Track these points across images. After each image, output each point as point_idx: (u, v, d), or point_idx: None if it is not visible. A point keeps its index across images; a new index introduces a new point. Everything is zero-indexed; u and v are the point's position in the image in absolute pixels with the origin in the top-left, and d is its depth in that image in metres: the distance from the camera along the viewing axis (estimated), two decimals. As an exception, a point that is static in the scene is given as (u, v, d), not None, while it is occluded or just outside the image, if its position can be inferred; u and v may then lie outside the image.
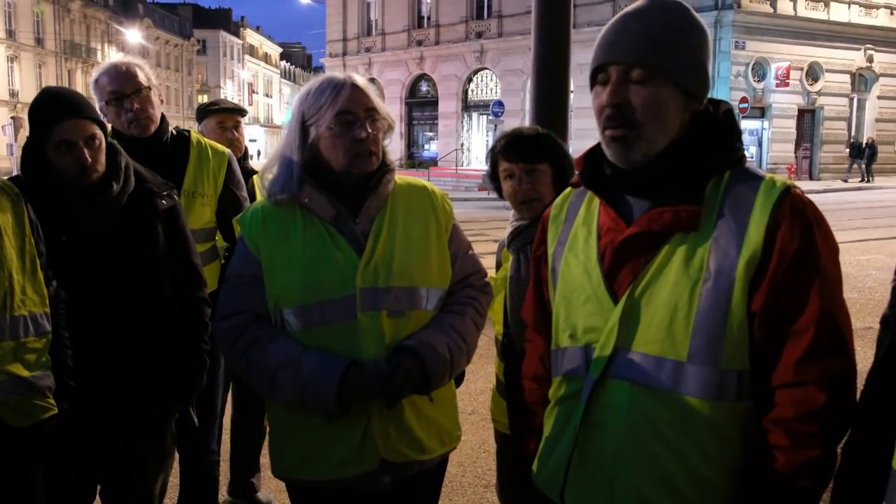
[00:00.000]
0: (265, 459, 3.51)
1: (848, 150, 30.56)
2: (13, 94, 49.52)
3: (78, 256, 2.29)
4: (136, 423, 2.41)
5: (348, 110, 2.01)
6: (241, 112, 4.21)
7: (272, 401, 2.12)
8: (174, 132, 3.16)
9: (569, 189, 1.80)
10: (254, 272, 2.07)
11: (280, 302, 2.04)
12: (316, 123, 2.03)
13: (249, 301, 2.07)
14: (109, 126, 3.05)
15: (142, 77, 2.98)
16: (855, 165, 29.96)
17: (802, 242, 1.45)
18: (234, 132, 4.03)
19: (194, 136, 3.24)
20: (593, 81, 1.59)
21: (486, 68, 36.31)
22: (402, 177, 2.21)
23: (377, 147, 2.06)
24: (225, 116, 4.05)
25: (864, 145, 29.96)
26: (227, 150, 3.36)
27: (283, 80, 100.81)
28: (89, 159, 2.26)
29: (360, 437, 2.03)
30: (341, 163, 2.02)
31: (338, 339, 2.01)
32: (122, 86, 2.94)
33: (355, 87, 2.04)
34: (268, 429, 2.37)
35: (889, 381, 1.38)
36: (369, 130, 2.02)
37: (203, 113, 4.10)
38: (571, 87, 6.13)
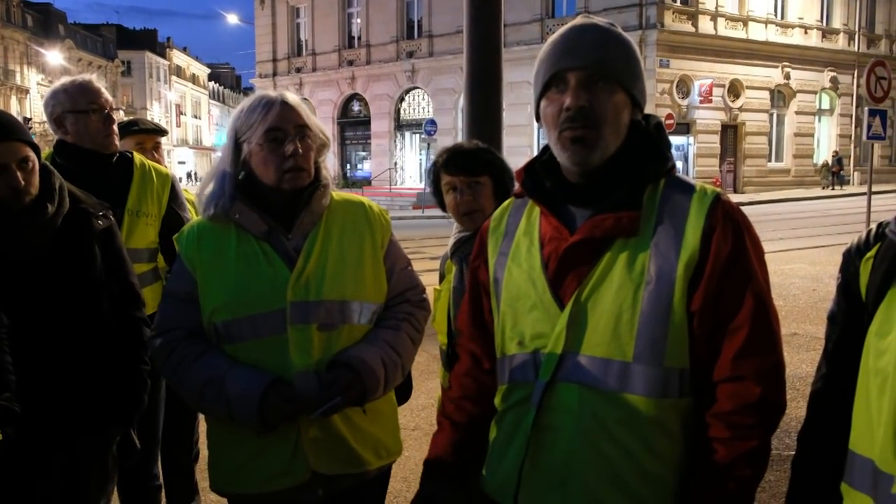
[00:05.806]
0: (204, 483, 3.45)
1: None
2: (-72, 117, 47.68)
3: (14, 280, 2.24)
4: (77, 451, 2.36)
5: (278, 127, 2.05)
6: (162, 132, 4.09)
7: (206, 415, 2.15)
8: (117, 153, 3.15)
9: (508, 201, 1.84)
10: (188, 289, 2.12)
11: (214, 317, 2.08)
12: (248, 140, 2.07)
13: (183, 317, 2.12)
14: (48, 147, 3.03)
15: (107, 96, 3.10)
16: None
17: (734, 245, 1.53)
18: (154, 153, 3.87)
19: (137, 157, 3.24)
20: (545, 89, 1.62)
21: (417, 87, 36.49)
22: (340, 193, 2.25)
23: (307, 163, 2.09)
24: (144, 137, 3.90)
25: None
26: (171, 172, 3.36)
27: (211, 101, 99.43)
28: (22, 182, 2.22)
29: (291, 450, 2.06)
30: (272, 178, 2.07)
31: (268, 353, 2.04)
32: (97, 99, 3.03)
33: (285, 104, 2.08)
34: (199, 452, 2.33)
35: (840, 372, 1.50)
36: (298, 146, 2.05)
37: (121, 133, 3.82)
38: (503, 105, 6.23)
